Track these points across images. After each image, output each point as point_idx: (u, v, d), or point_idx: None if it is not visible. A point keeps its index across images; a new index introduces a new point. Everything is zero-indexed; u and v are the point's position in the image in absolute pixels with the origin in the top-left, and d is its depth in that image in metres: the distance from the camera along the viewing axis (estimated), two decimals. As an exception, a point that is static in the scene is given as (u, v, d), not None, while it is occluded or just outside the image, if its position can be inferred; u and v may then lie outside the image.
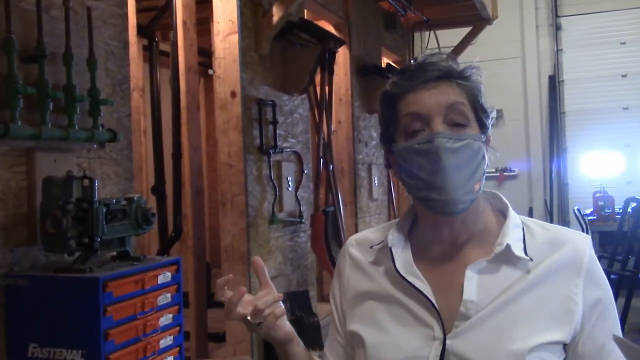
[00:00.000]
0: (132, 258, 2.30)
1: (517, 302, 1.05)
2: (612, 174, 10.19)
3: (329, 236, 4.44)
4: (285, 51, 4.23)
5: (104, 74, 2.59)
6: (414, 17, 6.84)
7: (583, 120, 10.69)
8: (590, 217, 8.20)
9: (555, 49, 10.90)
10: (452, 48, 7.80)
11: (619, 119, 10.41)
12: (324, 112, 4.53)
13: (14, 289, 2.08)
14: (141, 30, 4.53)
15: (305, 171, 4.50)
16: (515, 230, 1.11)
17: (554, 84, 10.87)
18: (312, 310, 4.25)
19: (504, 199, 1.18)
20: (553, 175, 10.76)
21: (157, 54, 4.36)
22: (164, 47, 4.79)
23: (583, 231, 8.68)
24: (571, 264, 1.08)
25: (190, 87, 4.16)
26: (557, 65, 10.92)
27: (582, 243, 1.10)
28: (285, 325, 1.17)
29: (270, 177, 3.97)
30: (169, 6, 4.19)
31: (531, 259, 1.07)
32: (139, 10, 4.59)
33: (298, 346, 1.20)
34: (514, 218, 1.14)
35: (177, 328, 2.36)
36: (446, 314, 1.06)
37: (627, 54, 10.49)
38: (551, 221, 10.55)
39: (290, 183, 4.23)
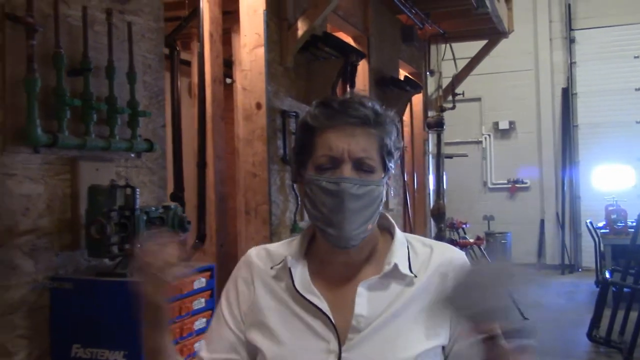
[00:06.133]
0: (168, 264, 2.39)
1: (402, 314, 1.15)
2: (624, 187, 10.23)
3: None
4: (308, 64, 4.34)
5: (142, 86, 2.69)
6: (430, 29, 6.94)
7: (595, 133, 10.72)
8: (602, 230, 8.23)
9: (569, 61, 10.96)
10: (468, 60, 7.92)
11: (632, 133, 10.43)
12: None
13: (59, 291, 2.18)
14: (163, 40, 4.64)
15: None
16: (401, 249, 1.22)
17: (567, 96, 10.91)
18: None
19: (390, 218, 1.27)
20: (565, 187, 10.80)
21: (178, 64, 4.47)
22: (184, 56, 4.89)
23: (595, 244, 8.71)
24: (444, 273, 1.17)
25: (215, 97, 4.26)
26: (570, 78, 10.98)
27: (456, 255, 1.22)
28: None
29: (293, 186, 4.06)
30: (191, 17, 4.30)
31: (415, 275, 1.18)
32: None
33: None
34: (400, 237, 1.24)
35: (210, 332, 2.45)
36: (342, 329, 1.14)
37: (641, 68, 10.55)
38: (563, 233, 10.59)
39: (311, 192, 4.32)
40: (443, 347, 1.16)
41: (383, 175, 1.18)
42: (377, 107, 1.18)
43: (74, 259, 2.31)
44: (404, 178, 6.54)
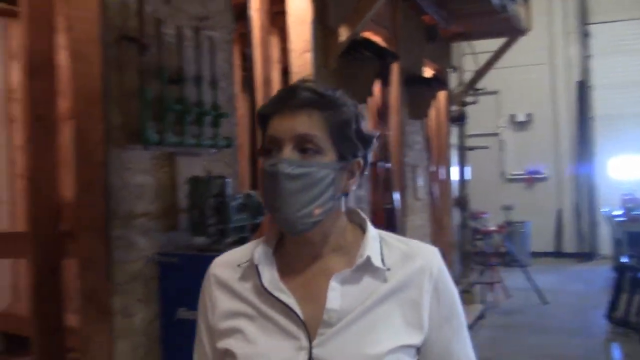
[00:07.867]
0: (250, 242, 2.83)
1: (376, 310, 1.13)
2: (638, 177, 10.57)
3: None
4: (347, 66, 4.74)
5: (220, 92, 3.12)
6: (452, 28, 7.32)
7: (611, 125, 11.04)
8: (619, 219, 8.58)
9: (584, 55, 11.27)
10: (487, 54, 8.28)
11: (646, 124, 10.78)
12: (383, 119, 5.04)
13: (166, 264, 2.62)
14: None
15: (365, 172, 5.01)
16: (373, 243, 1.19)
17: (583, 89, 11.24)
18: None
19: (362, 214, 1.25)
20: (582, 177, 11.15)
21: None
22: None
23: (612, 232, 9.07)
24: (422, 273, 1.17)
25: (266, 97, 4.68)
26: (586, 71, 11.30)
27: (432, 255, 1.21)
28: None
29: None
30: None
31: (388, 269, 1.16)
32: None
33: None
34: (372, 232, 1.21)
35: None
36: (312, 324, 1.12)
37: (655, 60, 10.86)
38: (580, 222, 10.94)
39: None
40: (418, 349, 1.16)
41: (336, 160, 1.15)
42: (325, 90, 1.16)
43: (174, 238, 2.75)
44: (429, 169, 6.94)
